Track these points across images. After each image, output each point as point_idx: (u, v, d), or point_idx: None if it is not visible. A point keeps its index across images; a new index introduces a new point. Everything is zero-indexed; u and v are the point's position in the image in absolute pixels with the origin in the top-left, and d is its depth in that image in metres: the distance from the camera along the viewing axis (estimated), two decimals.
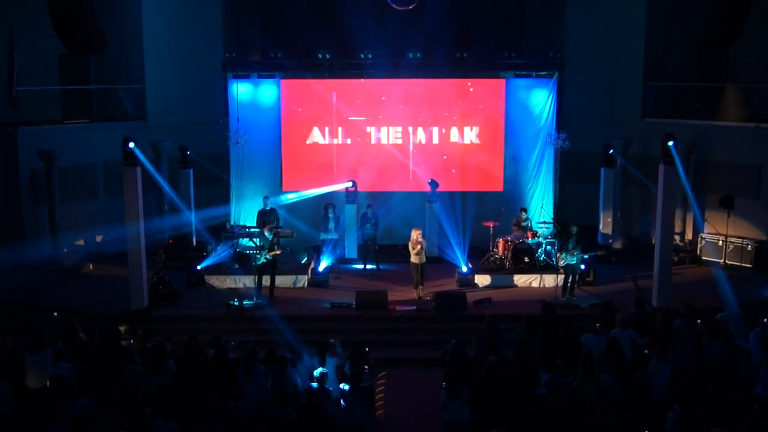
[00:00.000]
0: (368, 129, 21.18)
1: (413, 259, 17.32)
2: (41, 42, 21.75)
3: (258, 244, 17.69)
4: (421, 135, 21.23)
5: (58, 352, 11.57)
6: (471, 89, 21.20)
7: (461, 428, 10.34)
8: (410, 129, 21.20)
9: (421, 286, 17.40)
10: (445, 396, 10.59)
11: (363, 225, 19.57)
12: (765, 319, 12.78)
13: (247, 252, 18.68)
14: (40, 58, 21.74)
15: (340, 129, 21.15)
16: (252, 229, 19.06)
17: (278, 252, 17.53)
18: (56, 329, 13.32)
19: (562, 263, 17.08)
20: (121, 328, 13.39)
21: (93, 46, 21.53)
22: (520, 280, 18.42)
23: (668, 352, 11.37)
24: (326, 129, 21.13)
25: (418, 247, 17.18)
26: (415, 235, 17.29)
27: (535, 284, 18.33)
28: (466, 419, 10.36)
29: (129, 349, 12.24)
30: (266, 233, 17.30)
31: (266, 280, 17.35)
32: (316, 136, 21.18)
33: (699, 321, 13.14)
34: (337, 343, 12.68)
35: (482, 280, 18.41)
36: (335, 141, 21.19)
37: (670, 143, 16.11)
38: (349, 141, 21.21)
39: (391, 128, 21.19)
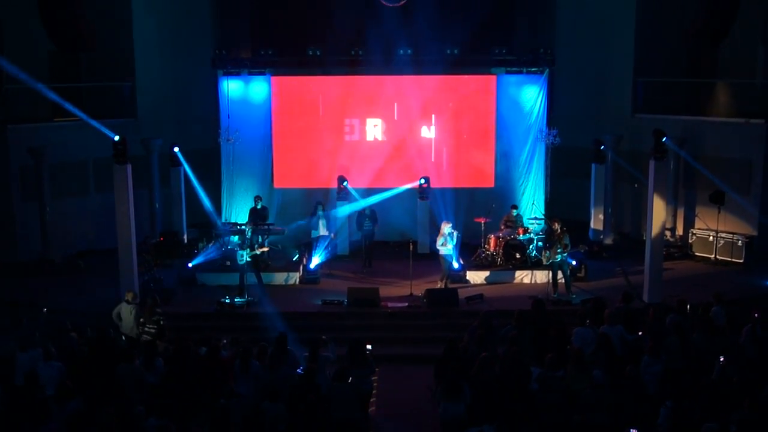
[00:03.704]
0: (359, 125, 21.15)
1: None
2: (31, 39, 21.61)
3: (238, 243, 17.56)
4: (411, 131, 21.18)
5: (48, 350, 11.51)
6: (461, 86, 21.17)
7: (457, 424, 10.33)
8: (400, 125, 21.15)
9: (442, 279, 17.46)
10: (441, 392, 10.59)
11: (361, 222, 19.47)
12: (756, 314, 12.84)
13: (237, 250, 18.62)
14: (29, 55, 21.60)
15: (330, 126, 21.10)
16: (243, 227, 19.00)
17: (265, 249, 17.49)
18: (46, 327, 13.28)
19: (545, 261, 17.12)
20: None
21: (83, 43, 21.37)
22: (512, 276, 18.45)
23: (660, 348, 11.42)
24: (317, 126, 21.07)
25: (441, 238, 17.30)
26: (443, 228, 17.36)
27: (526, 280, 18.34)
28: (462, 415, 10.37)
29: (123, 346, 12.22)
30: (247, 231, 17.21)
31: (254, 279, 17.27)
32: (308, 133, 21.12)
33: (691, 317, 13.18)
34: (329, 340, 12.70)
35: (474, 276, 18.43)
36: (326, 138, 21.14)
37: (664, 139, 16.15)
38: (339, 138, 21.16)
39: (381, 125, 21.16)
